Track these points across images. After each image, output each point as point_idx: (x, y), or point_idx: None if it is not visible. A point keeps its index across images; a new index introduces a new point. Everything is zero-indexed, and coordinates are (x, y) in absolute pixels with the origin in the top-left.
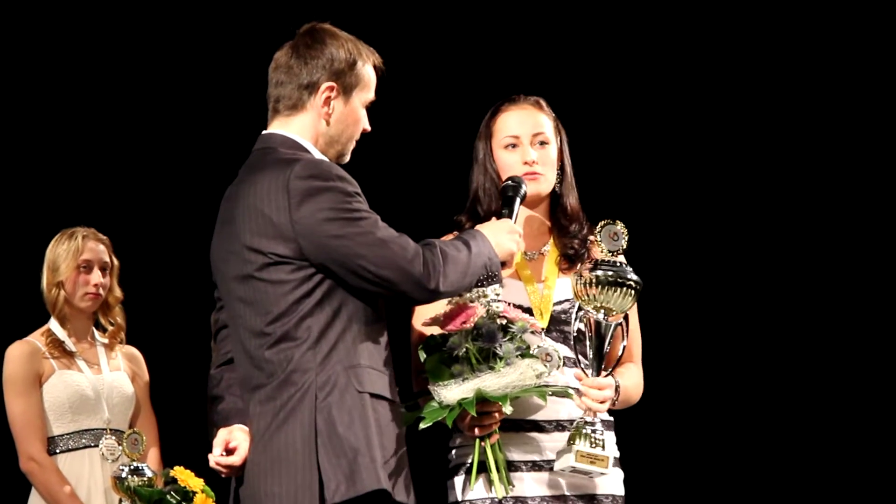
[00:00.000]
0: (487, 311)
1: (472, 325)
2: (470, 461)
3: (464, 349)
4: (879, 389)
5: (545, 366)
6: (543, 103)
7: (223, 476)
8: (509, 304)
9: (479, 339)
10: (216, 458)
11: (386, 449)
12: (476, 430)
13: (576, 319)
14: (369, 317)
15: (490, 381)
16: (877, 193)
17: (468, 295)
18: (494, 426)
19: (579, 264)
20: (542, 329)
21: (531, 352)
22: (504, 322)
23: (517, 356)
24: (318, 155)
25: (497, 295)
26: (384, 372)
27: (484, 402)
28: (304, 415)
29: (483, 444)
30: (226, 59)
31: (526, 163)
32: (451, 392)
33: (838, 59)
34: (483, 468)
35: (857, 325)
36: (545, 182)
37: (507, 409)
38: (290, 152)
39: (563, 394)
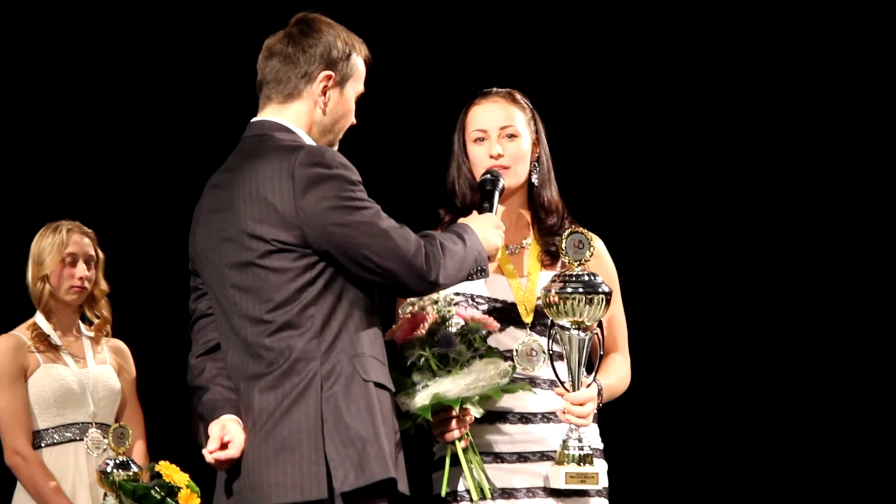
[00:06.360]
0: (440, 314)
1: (426, 331)
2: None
3: (417, 356)
4: (862, 379)
5: (520, 363)
6: (517, 95)
7: (219, 470)
8: (472, 298)
9: (435, 344)
10: (213, 453)
11: (390, 438)
12: (445, 436)
13: (550, 339)
14: (367, 306)
15: (446, 386)
16: (870, 187)
17: (420, 302)
18: (461, 431)
19: (549, 281)
20: (499, 328)
21: (495, 353)
22: (460, 325)
23: (475, 357)
24: (312, 143)
25: (449, 301)
26: (383, 361)
27: (441, 408)
28: (310, 404)
29: (454, 448)
30: (206, 54)
31: (492, 156)
32: (413, 400)
33: (833, 54)
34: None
35: (836, 316)
36: (513, 175)
37: (477, 412)
38: (290, 139)
39: (526, 389)
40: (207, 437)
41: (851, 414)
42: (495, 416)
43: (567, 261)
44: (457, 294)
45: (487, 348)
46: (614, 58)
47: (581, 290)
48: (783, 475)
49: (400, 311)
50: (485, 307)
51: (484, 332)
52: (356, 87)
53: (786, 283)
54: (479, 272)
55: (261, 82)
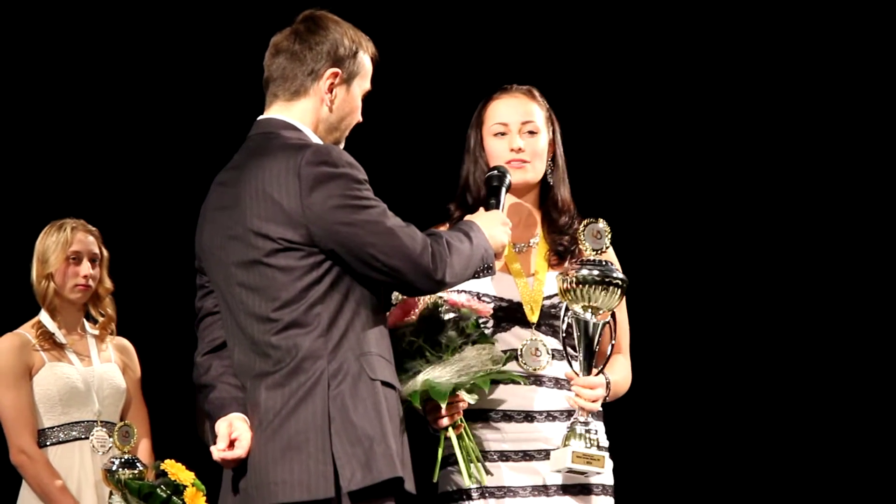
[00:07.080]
0: (431, 300)
1: (417, 317)
2: (454, 453)
3: (408, 342)
4: (863, 378)
5: (525, 362)
6: (536, 93)
7: (226, 469)
8: (477, 296)
9: (426, 331)
10: (221, 452)
11: (396, 437)
12: (439, 423)
13: (563, 321)
14: (374, 305)
15: (438, 372)
16: (871, 187)
17: None
18: (452, 418)
19: (566, 263)
20: (490, 313)
21: (489, 339)
22: (453, 312)
23: (467, 344)
24: (318, 141)
25: None
26: (389, 360)
27: (429, 396)
28: (317, 402)
29: (447, 435)
30: (212, 52)
31: (512, 150)
32: (405, 386)
33: (833, 53)
34: (453, 460)
35: (837, 315)
36: (532, 171)
37: (470, 399)
38: (296, 137)
39: (515, 381)
40: (214, 435)
41: (853, 413)
42: (499, 415)
43: (585, 249)
44: (462, 292)
45: (480, 334)
46: (624, 59)
47: (597, 274)
48: (787, 474)
49: (393, 298)
50: (490, 306)
51: (479, 319)
52: (363, 84)
53: (788, 284)
54: (485, 270)
55: (267, 79)
